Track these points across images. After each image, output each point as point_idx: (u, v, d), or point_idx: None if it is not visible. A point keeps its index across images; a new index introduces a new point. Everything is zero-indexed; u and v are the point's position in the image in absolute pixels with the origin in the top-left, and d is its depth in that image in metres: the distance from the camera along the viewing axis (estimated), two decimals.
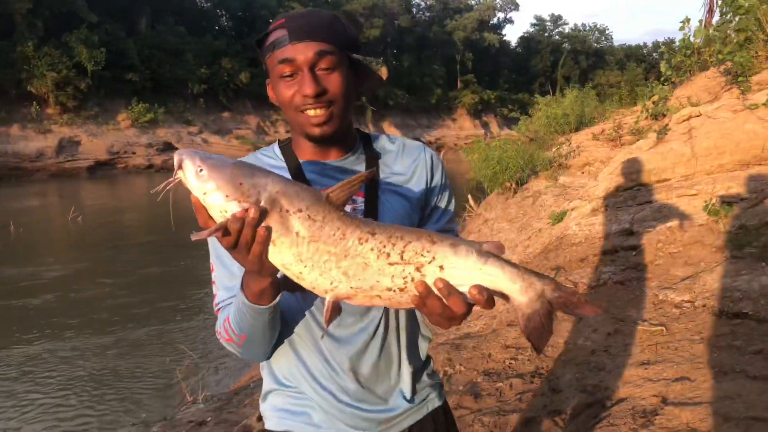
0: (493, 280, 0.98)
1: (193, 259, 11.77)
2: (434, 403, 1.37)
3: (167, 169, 33.71)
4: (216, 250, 1.25)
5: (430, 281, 0.96)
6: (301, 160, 1.28)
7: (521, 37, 78.55)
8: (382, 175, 1.29)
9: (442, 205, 1.35)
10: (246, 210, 0.91)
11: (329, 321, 0.98)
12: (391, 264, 0.96)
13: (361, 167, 1.28)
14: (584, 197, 5.91)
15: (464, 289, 0.98)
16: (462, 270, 0.97)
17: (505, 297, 1.01)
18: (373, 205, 1.24)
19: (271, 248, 0.94)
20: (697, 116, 5.65)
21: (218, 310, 1.24)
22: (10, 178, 28.63)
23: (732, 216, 4.14)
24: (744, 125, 5.03)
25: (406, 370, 1.30)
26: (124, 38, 36.88)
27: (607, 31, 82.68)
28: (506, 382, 3.41)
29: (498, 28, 71.97)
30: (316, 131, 1.19)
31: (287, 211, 0.94)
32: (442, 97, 60.00)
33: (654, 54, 71.02)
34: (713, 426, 2.51)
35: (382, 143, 1.36)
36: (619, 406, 2.89)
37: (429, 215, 1.34)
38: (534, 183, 8.28)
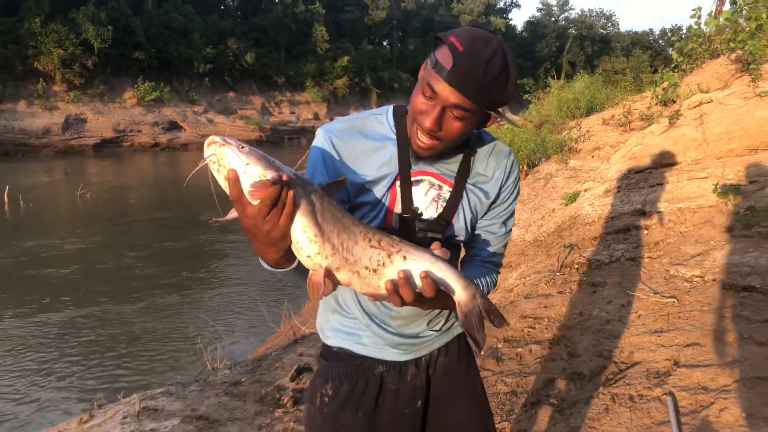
0: (441, 275, 1.22)
1: (208, 233, 12.00)
2: (458, 329, 1.62)
3: (172, 148, 33.87)
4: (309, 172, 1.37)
5: (396, 266, 1.19)
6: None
7: (527, 22, 78.24)
8: (471, 173, 1.43)
9: (506, 203, 1.51)
10: (280, 176, 1.09)
11: (321, 293, 1.17)
12: (371, 247, 1.20)
13: (455, 165, 1.41)
14: (597, 179, 6.10)
15: (418, 280, 1.21)
16: (419, 262, 1.21)
17: (450, 290, 1.23)
18: (458, 195, 1.41)
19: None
20: (709, 102, 5.82)
21: None
22: (17, 154, 28.79)
23: (741, 198, 4.33)
24: (754, 112, 5.20)
25: (440, 313, 1.54)
26: (130, 16, 36.79)
27: (613, 17, 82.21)
28: (525, 348, 3.63)
29: (504, 11, 71.69)
30: (419, 151, 1.32)
31: (304, 187, 1.15)
32: None
33: (660, 41, 70.74)
34: (722, 384, 2.73)
35: (480, 143, 1.47)
36: (634, 368, 3.11)
37: (491, 209, 1.50)
38: (545, 166, 8.47)
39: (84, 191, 16.95)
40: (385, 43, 60.00)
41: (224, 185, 1.13)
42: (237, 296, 8.56)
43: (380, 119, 1.40)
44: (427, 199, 1.39)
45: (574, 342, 3.52)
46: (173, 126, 35.44)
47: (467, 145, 1.42)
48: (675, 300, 3.60)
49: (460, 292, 1.23)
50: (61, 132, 31.10)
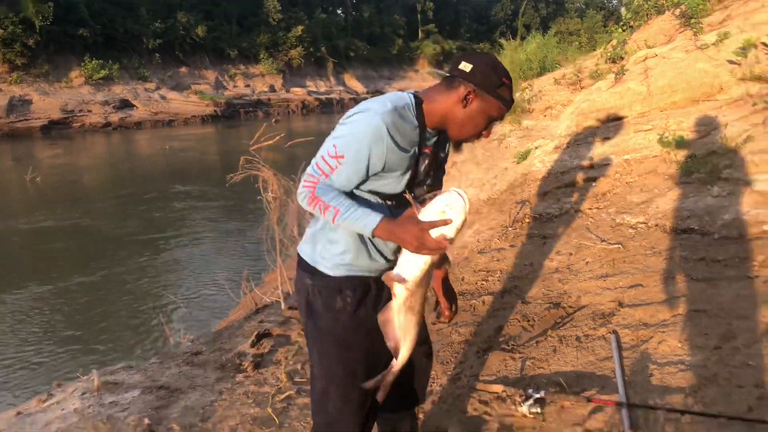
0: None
1: (166, 212, 11.84)
2: None
3: (125, 127, 32.92)
4: (357, 156, 1.64)
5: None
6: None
7: None
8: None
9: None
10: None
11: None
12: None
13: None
14: (547, 136, 6.21)
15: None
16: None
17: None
18: (437, 155, 1.85)
19: None
20: (653, 57, 5.95)
21: (317, 184, 1.67)
22: None
23: (683, 147, 4.48)
24: (695, 65, 5.34)
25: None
26: None
27: None
28: (479, 299, 3.73)
29: None
30: (461, 142, 1.81)
31: None
32: (403, 48, 59.43)
33: (614, 1, 71.28)
34: (661, 319, 2.87)
35: None
36: (580, 311, 3.23)
37: None
38: (499, 127, 8.56)
39: (34, 175, 16.40)
40: (339, 11, 59.03)
41: (454, 229, 1.58)
42: (197, 271, 8.51)
43: (408, 107, 1.71)
44: (423, 165, 1.79)
45: (525, 291, 3.64)
46: (125, 104, 34.46)
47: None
48: (620, 246, 3.73)
49: None
50: (5, 115, 29.92)
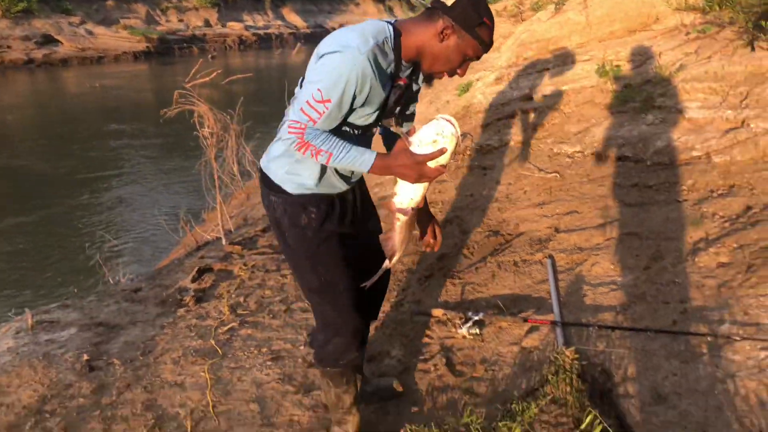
0: None
1: (100, 150, 11.38)
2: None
3: (50, 64, 30.99)
4: (342, 97, 1.60)
5: None
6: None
7: None
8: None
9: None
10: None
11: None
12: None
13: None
14: (488, 68, 6.19)
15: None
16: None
17: None
18: (410, 87, 1.85)
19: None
20: None
21: (305, 129, 1.65)
22: None
23: (619, 77, 4.55)
24: None
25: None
26: None
27: None
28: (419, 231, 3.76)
29: None
30: (433, 77, 1.78)
31: None
32: None
33: None
34: (595, 243, 2.97)
35: None
36: (518, 238, 3.31)
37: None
38: None
39: None
40: None
41: (449, 156, 1.62)
42: (136, 211, 8.28)
43: (388, 40, 1.66)
44: (395, 98, 1.79)
45: (466, 220, 3.69)
46: (48, 40, 32.29)
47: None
48: (557, 175, 3.81)
49: None
50: None
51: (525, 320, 2.60)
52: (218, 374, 2.67)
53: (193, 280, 3.78)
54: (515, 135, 4.59)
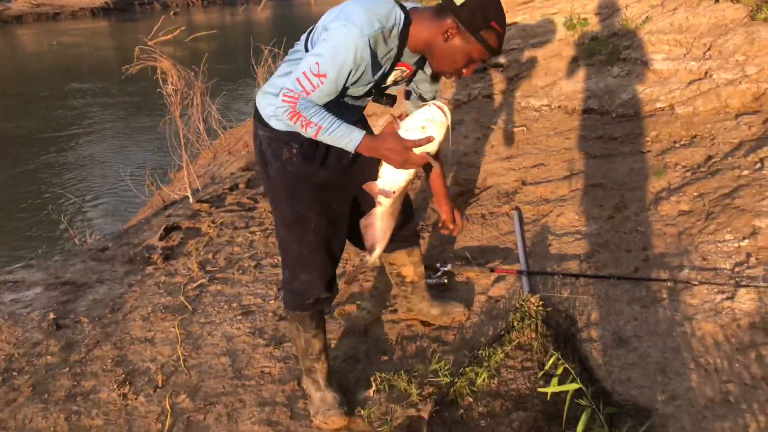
0: None
1: (65, 110, 11.05)
2: None
3: (2, 21, 29.59)
4: (338, 75, 1.61)
5: None
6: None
7: None
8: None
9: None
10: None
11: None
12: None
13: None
14: None
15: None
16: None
17: None
18: (414, 74, 1.89)
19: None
20: None
21: (298, 99, 1.63)
22: None
23: (586, 30, 4.55)
24: None
25: None
26: None
27: None
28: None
29: None
30: (441, 75, 1.81)
31: None
32: None
33: None
34: (560, 195, 3.01)
35: None
36: (486, 191, 3.34)
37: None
38: None
39: None
40: None
41: (437, 144, 1.65)
42: (102, 171, 8.11)
43: (396, 27, 1.66)
44: (393, 80, 1.84)
45: None
46: None
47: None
48: (524, 128, 3.83)
49: None
50: None
51: (492, 270, 2.64)
52: (188, 329, 2.67)
53: (161, 239, 3.74)
54: (483, 90, 4.58)
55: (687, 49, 3.68)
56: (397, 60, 1.74)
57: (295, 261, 2.00)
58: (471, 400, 2.00)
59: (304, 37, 1.80)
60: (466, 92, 4.69)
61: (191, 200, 4.40)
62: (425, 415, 1.99)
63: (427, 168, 1.87)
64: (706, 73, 3.47)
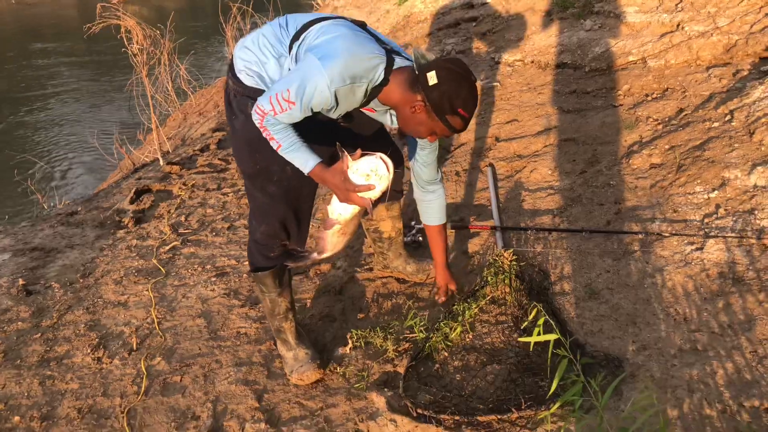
0: None
1: (30, 70, 10.69)
2: None
3: None
4: (306, 101, 1.64)
5: None
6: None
7: None
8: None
9: None
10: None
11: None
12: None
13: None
14: None
15: None
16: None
17: None
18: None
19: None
20: None
21: (266, 116, 1.69)
22: None
23: None
24: None
25: None
26: None
27: None
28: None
29: None
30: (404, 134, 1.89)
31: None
32: None
33: None
34: (534, 150, 3.01)
35: None
36: (460, 149, 3.32)
37: None
38: None
39: None
40: None
41: (376, 193, 1.72)
42: (67, 134, 7.92)
43: (372, 83, 1.69)
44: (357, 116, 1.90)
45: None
46: None
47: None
48: (498, 84, 3.80)
49: None
50: None
51: (466, 227, 2.65)
52: (162, 292, 2.65)
53: (132, 202, 3.68)
54: (457, 45, 4.52)
55: (659, 1, 3.66)
56: (364, 105, 1.80)
57: (257, 211, 2.05)
58: (446, 354, 2.02)
59: (292, 31, 1.79)
60: (440, 48, 4.62)
61: (162, 162, 4.32)
62: (401, 370, 2.01)
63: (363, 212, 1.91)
64: (678, 25, 3.45)
